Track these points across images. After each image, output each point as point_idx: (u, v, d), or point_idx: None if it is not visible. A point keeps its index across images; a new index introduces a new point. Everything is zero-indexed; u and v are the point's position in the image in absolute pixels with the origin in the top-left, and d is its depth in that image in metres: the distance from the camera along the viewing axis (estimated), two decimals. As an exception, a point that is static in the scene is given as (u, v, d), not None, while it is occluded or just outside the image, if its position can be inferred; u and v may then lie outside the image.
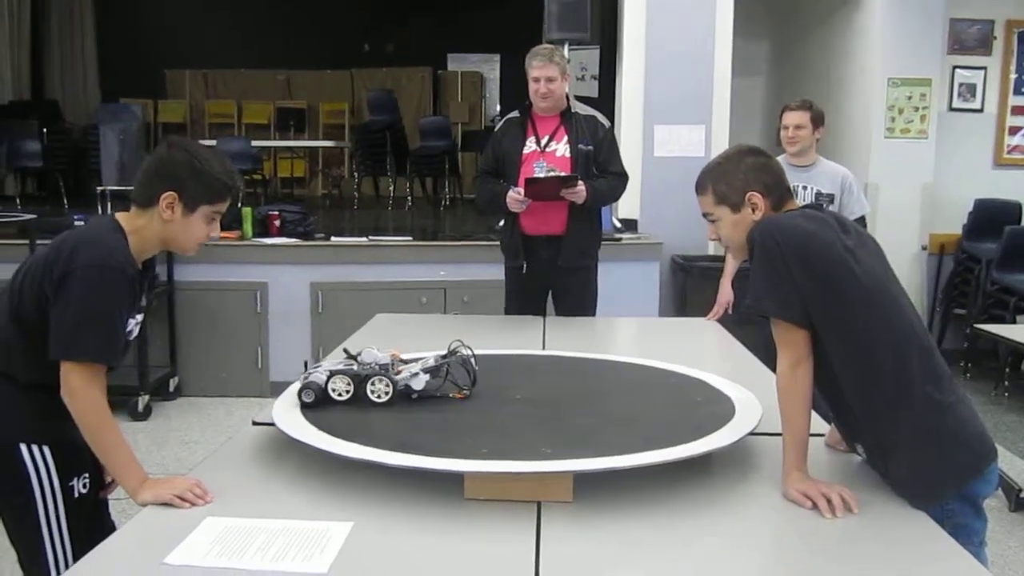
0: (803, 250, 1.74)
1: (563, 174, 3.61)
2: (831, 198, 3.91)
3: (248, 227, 5.43)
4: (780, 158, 4.00)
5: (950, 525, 1.70)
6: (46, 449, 1.95)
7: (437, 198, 9.41)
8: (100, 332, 1.86)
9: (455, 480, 1.68)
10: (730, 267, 4.06)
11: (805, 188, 3.92)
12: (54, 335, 1.86)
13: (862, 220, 3.95)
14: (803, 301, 1.72)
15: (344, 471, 1.78)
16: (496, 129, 3.91)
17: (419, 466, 1.67)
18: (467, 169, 10.41)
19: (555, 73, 3.64)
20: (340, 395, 2.06)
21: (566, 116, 3.73)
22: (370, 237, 5.62)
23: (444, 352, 2.20)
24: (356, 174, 9.71)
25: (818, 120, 3.94)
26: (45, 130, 8.73)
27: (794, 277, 1.72)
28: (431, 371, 2.12)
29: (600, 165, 3.74)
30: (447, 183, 9.33)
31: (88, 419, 1.84)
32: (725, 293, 4.03)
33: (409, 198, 9.19)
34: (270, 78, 11.71)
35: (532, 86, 3.67)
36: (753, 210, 1.85)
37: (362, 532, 1.55)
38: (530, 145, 3.72)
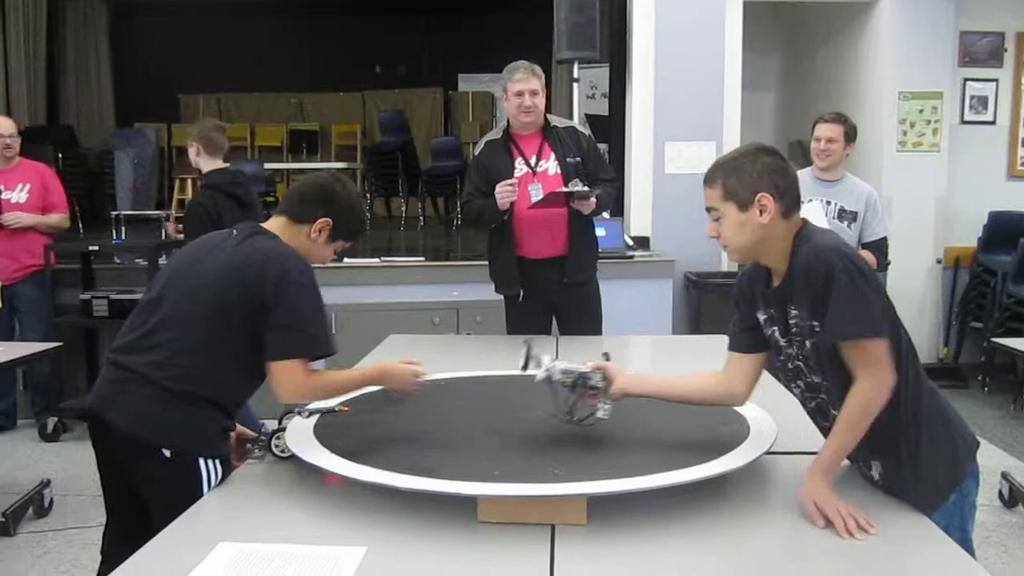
0: (868, 269, 1.74)
1: (587, 189, 3.52)
2: (854, 216, 3.82)
3: (261, 249, 5.44)
4: (806, 171, 3.90)
5: (967, 504, 1.78)
6: (218, 463, 2.09)
7: (449, 218, 9.43)
8: (326, 325, 2.13)
9: (468, 503, 1.67)
10: None
11: (828, 203, 3.83)
12: (284, 337, 2.04)
13: (884, 241, 3.88)
14: (882, 310, 1.72)
15: (357, 494, 1.78)
16: (478, 153, 3.76)
17: (432, 489, 1.66)
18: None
19: (538, 86, 3.57)
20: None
21: (547, 132, 3.66)
22: (382, 258, 5.63)
23: None
24: (368, 195, 9.75)
25: (851, 135, 3.85)
26: (60, 155, 8.79)
27: (873, 293, 1.71)
28: None
29: (590, 174, 3.65)
30: (459, 203, 9.34)
31: (326, 392, 2.17)
32: None
33: (421, 218, 9.22)
34: (283, 101, 11.80)
35: (515, 101, 3.58)
36: (761, 212, 1.79)
37: (375, 557, 1.55)
38: (520, 167, 3.63)
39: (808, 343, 1.79)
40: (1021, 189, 6.36)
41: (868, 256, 3.83)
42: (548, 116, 3.70)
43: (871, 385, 1.71)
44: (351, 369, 2.29)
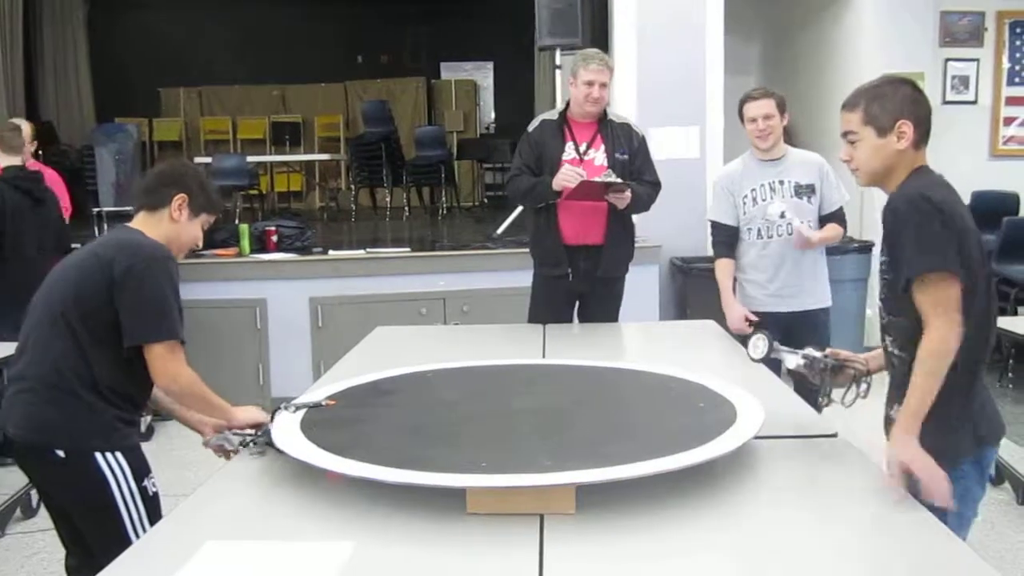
0: (952, 207, 1.80)
1: (619, 180, 3.49)
2: (812, 188, 3.59)
3: (245, 243, 5.42)
4: (744, 157, 3.74)
5: (961, 487, 1.78)
6: (119, 455, 2.08)
7: (434, 207, 9.41)
8: (176, 313, 2.12)
9: (457, 495, 1.67)
10: (727, 286, 3.66)
11: (781, 183, 3.58)
12: (136, 323, 2.06)
13: (842, 211, 3.65)
14: (958, 251, 1.74)
15: (344, 489, 1.77)
16: (531, 129, 3.72)
17: (420, 482, 1.66)
18: (463, 178, 10.39)
19: (608, 79, 3.57)
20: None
21: (603, 123, 3.64)
22: (368, 250, 5.61)
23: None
24: (353, 186, 9.71)
25: (783, 106, 3.63)
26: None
27: (949, 230, 1.74)
28: None
29: (635, 173, 3.63)
30: (444, 192, 9.32)
31: (194, 391, 2.14)
32: (736, 311, 3.60)
33: (406, 208, 9.19)
34: (264, 93, 11.73)
35: (583, 90, 3.55)
36: (899, 138, 1.86)
37: (364, 551, 1.54)
38: (569, 151, 3.61)
39: (881, 281, 1.86)
40: (1004, 168, 6.40)
41: (833, 230, 3.61)
42: (607, 108, 3.69)
43: (943, 324, 1.73)
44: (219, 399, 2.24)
